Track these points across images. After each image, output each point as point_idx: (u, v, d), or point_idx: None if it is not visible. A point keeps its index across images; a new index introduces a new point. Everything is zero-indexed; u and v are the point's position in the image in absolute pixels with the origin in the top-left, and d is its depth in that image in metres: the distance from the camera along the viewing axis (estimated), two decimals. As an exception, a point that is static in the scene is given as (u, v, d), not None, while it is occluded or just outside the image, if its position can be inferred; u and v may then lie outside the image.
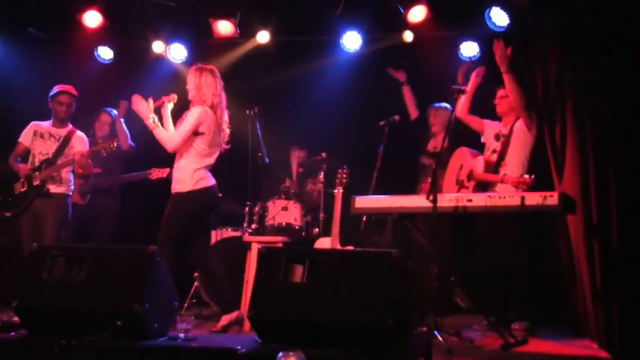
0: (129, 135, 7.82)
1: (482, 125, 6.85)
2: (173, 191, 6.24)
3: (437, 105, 7.51)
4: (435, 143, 7.45)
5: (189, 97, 6.38)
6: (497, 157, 6.50)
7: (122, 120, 7.86)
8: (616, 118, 5.26)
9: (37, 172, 6.97)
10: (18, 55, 8.35)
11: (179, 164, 6.26)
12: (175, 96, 6.46)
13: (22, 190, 6.97)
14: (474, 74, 6.79)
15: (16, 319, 5.37)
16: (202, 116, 6.21)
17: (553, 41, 6.26)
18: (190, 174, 6.19)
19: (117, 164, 8.03)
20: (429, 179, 7.00)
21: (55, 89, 7.17)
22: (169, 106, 6.42)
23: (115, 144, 6.94)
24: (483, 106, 6.92)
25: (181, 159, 6.25)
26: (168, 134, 6.26)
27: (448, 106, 7.39)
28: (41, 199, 6.96)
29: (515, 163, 6.42)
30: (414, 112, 7.89)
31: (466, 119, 6.90)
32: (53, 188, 6.99)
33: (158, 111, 6.44)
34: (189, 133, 6.18)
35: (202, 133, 6.21)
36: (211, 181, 6.29)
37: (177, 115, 6.43)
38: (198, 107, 6.26)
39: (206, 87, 6.35)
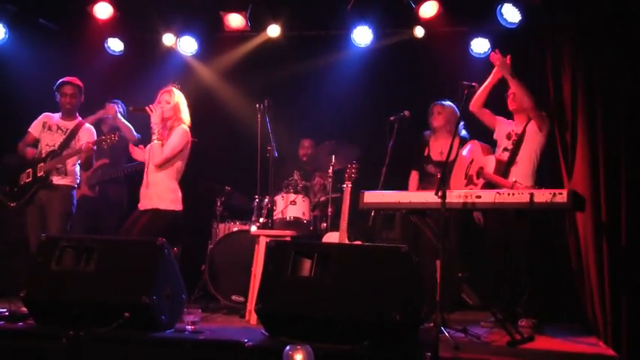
0: (132, 127, 7.82)
1: (494, 121, 6.78)
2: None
3: (443, 102, 7.33)
4: (439, 146, 7.27)
5: (165, 115, 6.62)
6: (508, 156, 6.47)
7: (120, 115, 7.87)
8: (627, 115, 5.24)
9: (41, 163, 6.99)
10: (29, 46, 8.36)
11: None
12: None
13: (27, 180, 6.99)
14: (496, 67, 6.67)
15: (24, 309, 5.39)
16: (188, 136, 6.60)
17: (566, 38, 6.23)
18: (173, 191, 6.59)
19: (122, 155, 8.04)
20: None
21: (59, 81, 7.18)
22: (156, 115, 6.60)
23: (116, 137, 6.96)
24: (497, 104, 6.88)
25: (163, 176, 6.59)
26: (161, 150, 6.54)
27: (453, 104, 7.30)
28: (45, 190, 6.97)
29: (525, 163, 6.39)
30: None
31: (479, 113, 6.80)
32: (57, 180, 7.00)
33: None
34: (176, 152, 6.55)
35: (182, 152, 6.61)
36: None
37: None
38: (182, 128, 6.59)
39: (184, 107, 6.68)
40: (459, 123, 6.23)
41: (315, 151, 8.59)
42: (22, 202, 6.99)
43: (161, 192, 6.49)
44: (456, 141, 7.03)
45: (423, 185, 7.26)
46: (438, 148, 7.28)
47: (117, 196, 8.11)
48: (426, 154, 7.38)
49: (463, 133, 7.16)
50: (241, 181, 8.31)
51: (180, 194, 6.60)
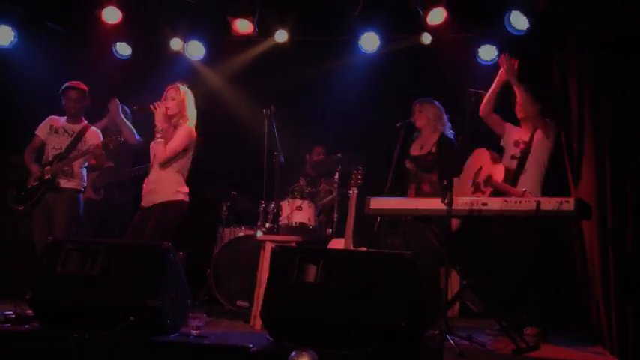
0: (134, 130, 7.79)
1: (503, 127, 6.74)
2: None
3: (422, 99, 7.16)
4: (421, 142, 7.13)
5: (170, 112, 6.53)
6: (517, 164, 6.44)
7: (122, 115, 7.83)
8: (634, 122, 5.23)
9: (48, 167, 7.01)
10: (36, 49, 8.39)
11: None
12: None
13: (34, 184, 7.02)
14: (502, 70, 6.65)
15: (30, 311, 5.40)
16: (192, 135, 6.49)
17: (573, 45, 6.22)
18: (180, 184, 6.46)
19: (128, 158, 8.05)
20: (413, 185, 6.97)
21: (64, 85, 7.20)
22: (160, 112, 6.51)
23: (121, 138, 6.98)
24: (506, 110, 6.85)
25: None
26: (164, 150, 6.44)
27: (435, 101, 7.22)
28: (52, 193, 7.00)
29: (534, 171, 6.37)
30: None
31: (489, 118, 6.74)
32: (64, 183, 7.03)
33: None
34: (179, 152, 6.44)
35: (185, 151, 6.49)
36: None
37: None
38: (187, 126, 6.48)
39: (190, 105, 6.58)
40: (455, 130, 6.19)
41: (325, 159, 8.56)
42: (29, 206, 7.00)
43: (167, 185, 6.37)
44: (435, 136, 7.01)
45: (406, 183, 7.11)
46: (418, 144, 7.13)
47: (122, 199, 8.11)
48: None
49: (448, 131, 7.08)
50: (247, 186, 8.32)
51: (186, 188, 6.47)
